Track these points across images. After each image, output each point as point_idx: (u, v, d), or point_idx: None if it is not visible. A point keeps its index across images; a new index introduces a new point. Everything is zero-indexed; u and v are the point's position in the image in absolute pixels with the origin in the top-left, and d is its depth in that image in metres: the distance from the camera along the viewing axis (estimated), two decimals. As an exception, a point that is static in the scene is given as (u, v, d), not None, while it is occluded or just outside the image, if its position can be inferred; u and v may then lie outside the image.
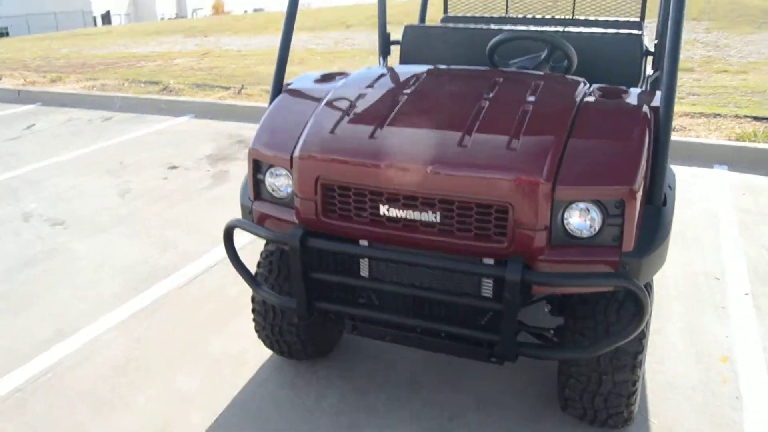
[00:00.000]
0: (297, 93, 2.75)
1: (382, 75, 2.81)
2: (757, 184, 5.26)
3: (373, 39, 15.27)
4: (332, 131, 2.36)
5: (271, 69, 2.87)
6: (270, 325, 2.86)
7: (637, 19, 4.05)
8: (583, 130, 2.22)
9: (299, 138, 2.41)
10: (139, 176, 5.95)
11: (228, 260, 2.56)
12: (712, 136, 6.30)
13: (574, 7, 4.14)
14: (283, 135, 2.49)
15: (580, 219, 2.11)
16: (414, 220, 2.22)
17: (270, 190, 2.52)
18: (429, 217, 2.19)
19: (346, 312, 2.42)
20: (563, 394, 2.51)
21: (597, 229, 2.11)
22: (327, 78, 2.89)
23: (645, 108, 2.31)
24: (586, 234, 2.12)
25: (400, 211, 2.22)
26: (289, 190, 2.47)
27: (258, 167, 2.53)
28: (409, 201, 2.20)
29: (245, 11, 50.31)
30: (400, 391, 2.91)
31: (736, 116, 6.84)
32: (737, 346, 3.15)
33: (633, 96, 2.47)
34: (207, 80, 10.39)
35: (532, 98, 2.41)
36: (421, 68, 2.91)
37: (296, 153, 2.35)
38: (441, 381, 2.97)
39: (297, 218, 2.41)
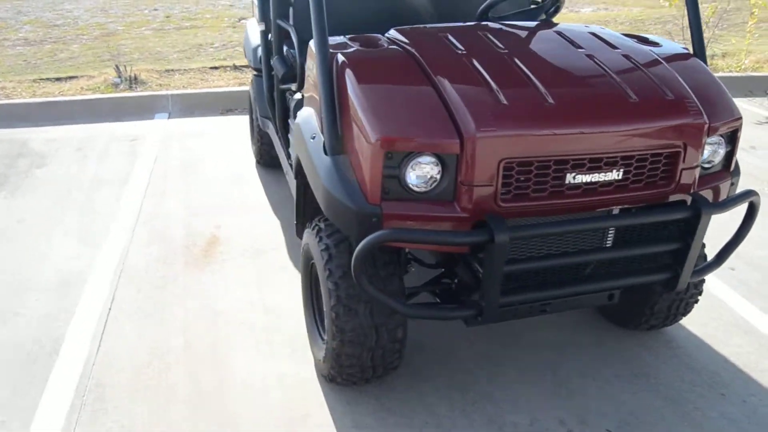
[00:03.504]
0: (364, 65, 2.23)
1: (441, 36, 2.50)
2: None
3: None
4: (501, 102, 2.03)
5: None
6: (370, 350, 2.34)
7: None
8: (684, 76, 2.34)
9: (456, 115, 2.00)
10: None
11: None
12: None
13: None
14: (419, 116, 2.03)
15: (707, 152, 2.34)
16: (594, 183, 2.11)
17: (411, 184, 2.04)
18: (610, 176, 2.11)
19: (532, 298, 2.20)
20: (652, 311, 2.76)
21: (720, 158, 2.38)
22: (368, 42, 2.42)
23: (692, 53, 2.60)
24: (711, 164, 2.37)
25: (585, 176, 2.08)
26: (435, 181, 2.04)
27: (386, 159, 2.00)
28: (594, 164, 2.08)
29: None
30: (488, 371, 2.73)
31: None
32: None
33: (667, 44, 2.69)
34: None
35: (617, 50, 2.45)
36: (464, 26, 2.70)
37: (471, 133, 1.95)
38: (509, 350, 2.90)
39: (463, 211, 2.03)
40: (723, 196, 2.41)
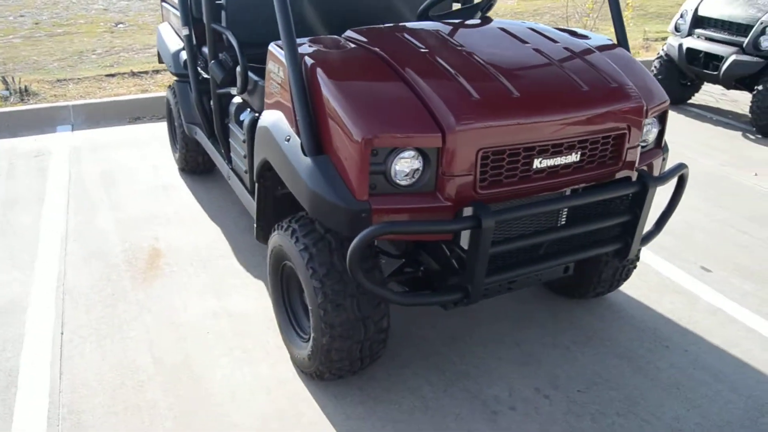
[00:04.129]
0: (335, 65, 2.29)
1: (399, 35, 2.58)
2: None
3: None
4: (473, 96, 2.15)
5: None
6: (359, 342, 2.41)
7: None
8: (618, 65, 2.57)
9: (434, 110, 2.11)
10: None
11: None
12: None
13: None
14: (399, 112, 2.12)
15: (643, 132, 2.60)
16: (557, 166, 2.30)
17: (396, 178, 2.12)
18: (570, 159, 2.31)
19: (507, 277, 2.35)
20: (599, 279, 3.03)
21: (653, 137, 2.65)
22: (330, 43, 2.47)
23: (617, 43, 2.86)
24: (647, 143, 2.65)
25: (549, 160, 2.27)
26: (419, 172, 2.14)
27: (372, 156, 2.08)
28: (556, 149, 2.27)
29: None
30: (458, 350, 2.88)
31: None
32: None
33: (594, 36, 2.94)
34: None
35: (558, 43, 2.65)
36: (417, 26, 2.79)
37: (452, 126, 2.06)
38: (472, 329, 3.06)
39: (446, 200, 2.15)
40: (658, 171, 2.69)
